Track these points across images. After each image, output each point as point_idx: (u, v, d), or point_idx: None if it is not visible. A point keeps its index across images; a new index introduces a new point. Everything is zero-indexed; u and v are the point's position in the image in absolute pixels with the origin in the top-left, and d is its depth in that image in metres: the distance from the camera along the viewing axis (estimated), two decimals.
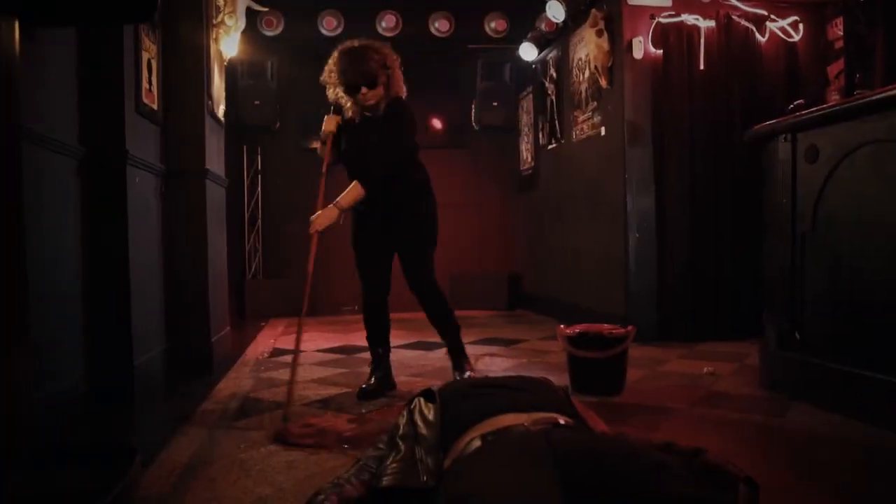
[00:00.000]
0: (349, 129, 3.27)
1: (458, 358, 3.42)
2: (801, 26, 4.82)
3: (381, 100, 3.17)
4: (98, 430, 2.73)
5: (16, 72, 1.94)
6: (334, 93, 3.24)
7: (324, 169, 3.25)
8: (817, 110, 2.87)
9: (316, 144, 3.38)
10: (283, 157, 7.01)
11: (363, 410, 2.95)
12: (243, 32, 4.53)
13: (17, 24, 1.92)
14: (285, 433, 2.52)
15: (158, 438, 2.55)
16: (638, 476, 1.24)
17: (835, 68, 4.75)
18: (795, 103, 3.19)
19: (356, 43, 3.19)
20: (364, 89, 3.11)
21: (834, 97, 4.58)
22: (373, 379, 3.29)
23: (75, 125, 2.93)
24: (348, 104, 3.23)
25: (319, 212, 3.09)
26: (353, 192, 3.10)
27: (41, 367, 2.49)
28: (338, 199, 3.09)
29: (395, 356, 4.27)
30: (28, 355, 2.02)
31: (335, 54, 3.21)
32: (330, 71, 3.21)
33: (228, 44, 4.31)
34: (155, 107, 3.52)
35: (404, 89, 3.27)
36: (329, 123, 3.26)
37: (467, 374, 3.35)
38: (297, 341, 3.09)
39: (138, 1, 2.13)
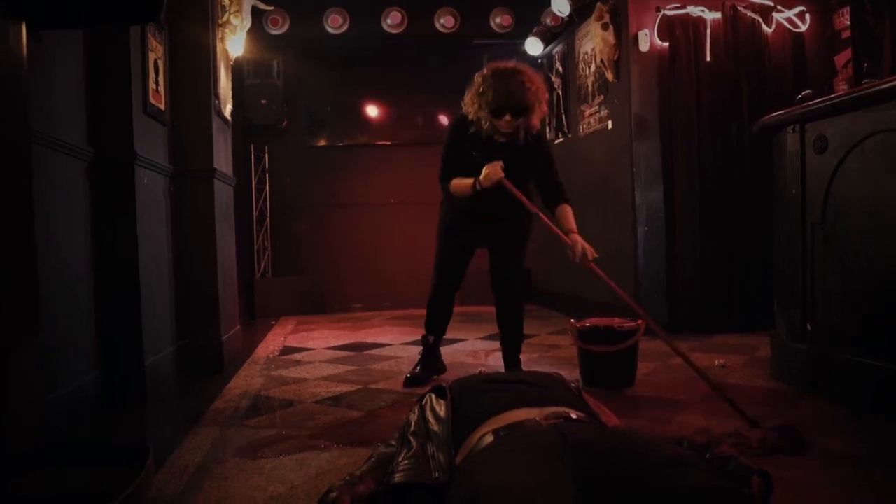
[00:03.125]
0: (485, 150, 3.07)
1: (511, 365, 3.42)
2: (807, 16, 4.78)
3: (517, 129, 3.05)
4: (109, 430, 2.74)
5: (24, 75, 1.95)
6: (475, 113, 3.06)
7: (529, 205, 3.12)
8: (825, 100, 2.85)
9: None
10: (291, 155, 7.00)
11: (374, 407, 2.96)
12: (249, 31, 4.53)
13: (24, 28, 1.92)
14: None
15: (170, 438, 2.56)
16: (653, 470, 1.24)
17: (842, 58, 4.71)
18: (803, 94, 3.17)
19: (510, 65, 3.04)
20: (508, 116, 2.98)
21: (842, 87, 4.55)
22: (418, 367, 3.41)
23: (83, 126, 2.94)
24: (486, 125, 3.05)
25: (581, 244, 3.06)
26: (572, 217, 3.19)
27: (52, 368, 2.50)
28: (571, 226, 3.15)
29: (405, 352, 4.29)
30: (37, 355, 2.03)
31: (486, 74, 3.04)
32: (474, 94, 3.04)
33: (234, 43, 4.32)
34: (162, 107, 3.53)
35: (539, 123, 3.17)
36: (497, 171, 2.98)
37: (479, 370, 3.37)
38: None
39: (144, 2, 2.13)
